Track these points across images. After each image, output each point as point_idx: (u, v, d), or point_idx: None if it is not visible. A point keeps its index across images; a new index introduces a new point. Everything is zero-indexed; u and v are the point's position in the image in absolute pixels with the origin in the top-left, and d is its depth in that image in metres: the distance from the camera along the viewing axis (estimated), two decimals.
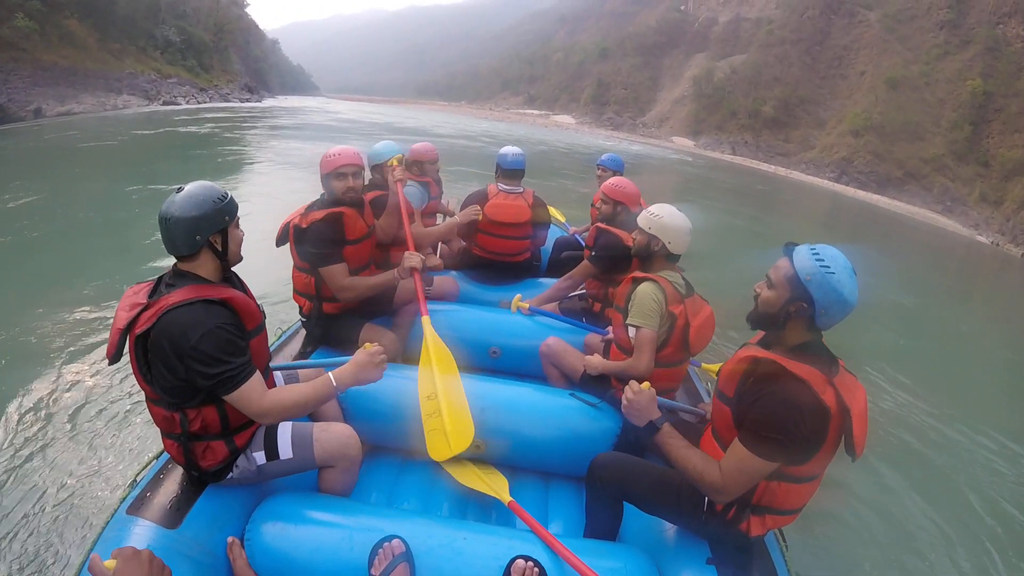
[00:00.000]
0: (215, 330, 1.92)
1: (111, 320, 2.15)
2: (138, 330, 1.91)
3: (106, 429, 3.93)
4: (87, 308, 5.63)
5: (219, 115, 33.73)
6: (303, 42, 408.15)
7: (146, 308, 1.94)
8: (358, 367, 2.20)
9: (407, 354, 3.71)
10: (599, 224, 4.01)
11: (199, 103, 42.58)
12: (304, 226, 3.17)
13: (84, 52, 34.27)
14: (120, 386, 4.38)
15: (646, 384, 2.26)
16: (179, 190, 2.01)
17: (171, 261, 2.10)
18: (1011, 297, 19.47)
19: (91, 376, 4.51)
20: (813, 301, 1.86)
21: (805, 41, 69.73)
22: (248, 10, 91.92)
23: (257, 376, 2.05)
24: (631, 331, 2.89)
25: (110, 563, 1.30)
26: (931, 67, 55.76)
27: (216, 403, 2.06)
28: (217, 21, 65.68)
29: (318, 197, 3.37)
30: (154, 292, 2.02)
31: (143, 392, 2.08)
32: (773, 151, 61.24)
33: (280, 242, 3.39)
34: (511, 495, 2.73)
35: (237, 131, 27.11)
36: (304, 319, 3.53)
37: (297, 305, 3.50)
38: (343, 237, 3.32)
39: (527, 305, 3.97)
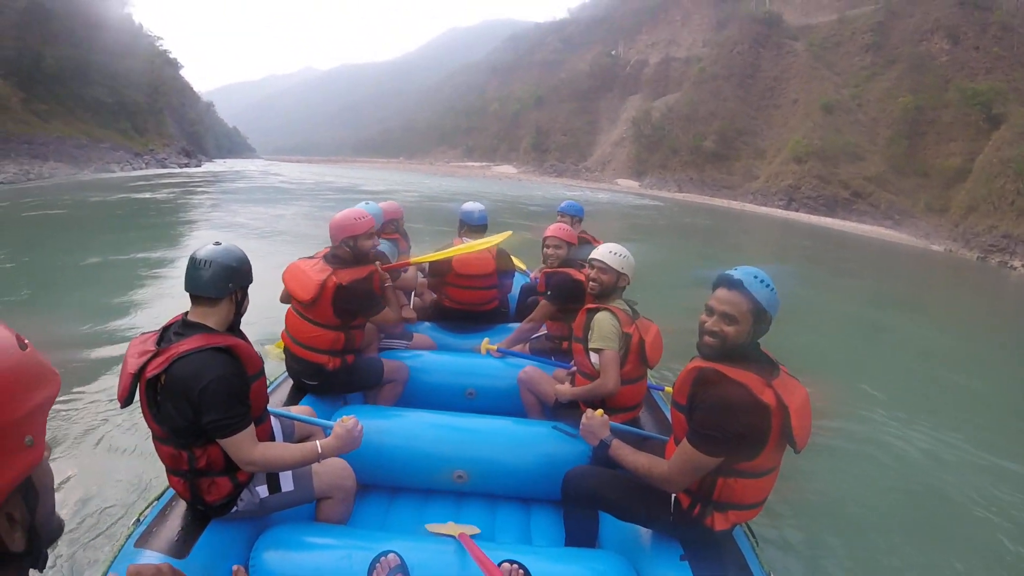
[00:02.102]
0: (222, 378, 2.09)
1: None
2: (149, 374, 2.07)
3: (110, 469, 4.13)
4: (89, 356, 6.02)
5: (161, 183, 32.06)
6: (238, 104, 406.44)
7: (156, 355, 2.10)
8: (340, 441, 2.42)
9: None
10: (545, 269, 4.39)
11: (135, 169, 40.71)
12: (345, 284, 3.38)
13: (5, 113, 31.92)
14: (122, 427, 4.62)
15: (600, 411, 2.62)
16: (217, 243, 2.29)
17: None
18: (970, 300, 19.76)
19: (93, 419, 4.76)
20: (771, 322, 2.13)
21: (736, 75, 71.59)
22: (182, 72, 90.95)
23: (251, 429, 2.22)
24: (593, 356, 3.17)
25: None
26: (861, 89, 57.67)
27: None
28: (151, 82, 63.34)
29: (326, 253, 3.63)
30: (161, 340, 2.18)
31: (149, 432, 2.25)
32: (719, 185, 62.01)
33: (313, 301, 3.41)
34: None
35: (189, 196, 26.43)
36: (313, 381, 3.61)
37: (311, 362, 3.55)
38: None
39: (495, 347, 4.25)
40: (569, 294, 4.00)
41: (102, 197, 22.58)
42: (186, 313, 2.28)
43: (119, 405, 2.15)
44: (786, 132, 60.54)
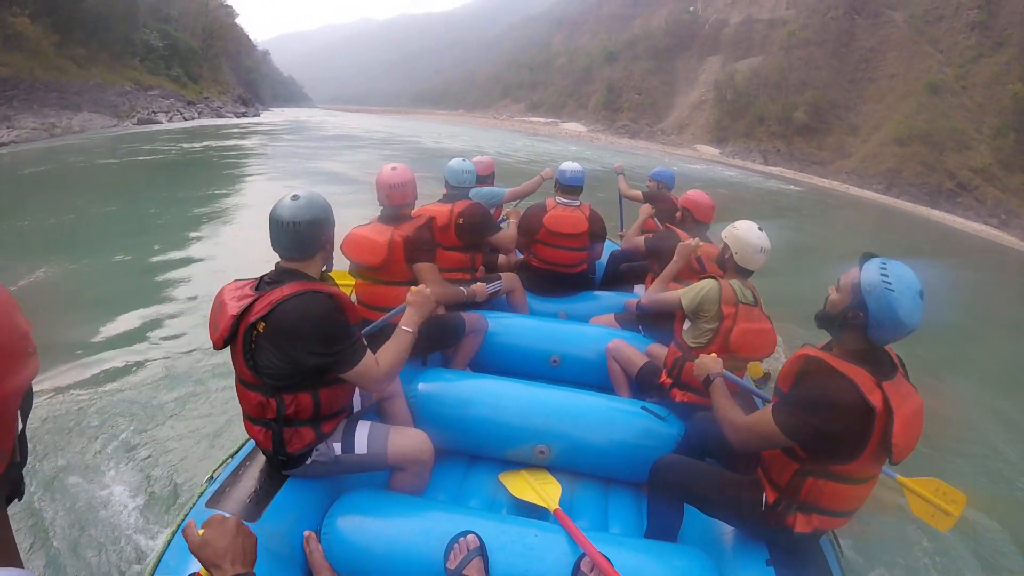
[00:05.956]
0: (332, 313, 2.14)
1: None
2: (251, 319, 2.09)
3: (184, 423, 4.32)
4: (163, 309, 6.48)
5: (220, 134, 30.65)
6: (294, 53, 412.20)
7: (256, 300, 2.12)
8: (417, 308, 2.56)
9: (474, 362, 3.96)
10: (668, 225, 4.50)
11: (186, 120, 38.29)
12: (410, 235, 3.32)
13: (35, 58, 28.24)
14: (199, 379, 4.91)
15: (714, 354, 2.76)
16: (295, 197, 2.21)
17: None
18: None
19: (168, 371, 5.03)
20: (867, 312, 1.96)
21: (831, 43, 67.97)
22: (238, 20, 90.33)
23: (369, 352, 2.28)
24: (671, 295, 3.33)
25: (201, 531, 1.45)
26: (966, 70, 54.24)
27: (311, 390, 2.23)
28: (206, 26, 61.29)
29: (378, 216, 3.50)
30: (257, 288, 2.20)
31: (227, 385, 2.37)
32: (808, 159, 59.54)
33: (384, 263, 3.33)
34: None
35: (263, 147, 26.38)
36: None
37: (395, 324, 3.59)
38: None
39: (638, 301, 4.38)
40: (663, 250, 4.01)
41: (142, 152, 21.24)
42: (277, 263, 2.29)
43: (216, 347, 2.18)
44: (882, 109, 58.04)
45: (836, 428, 1.92)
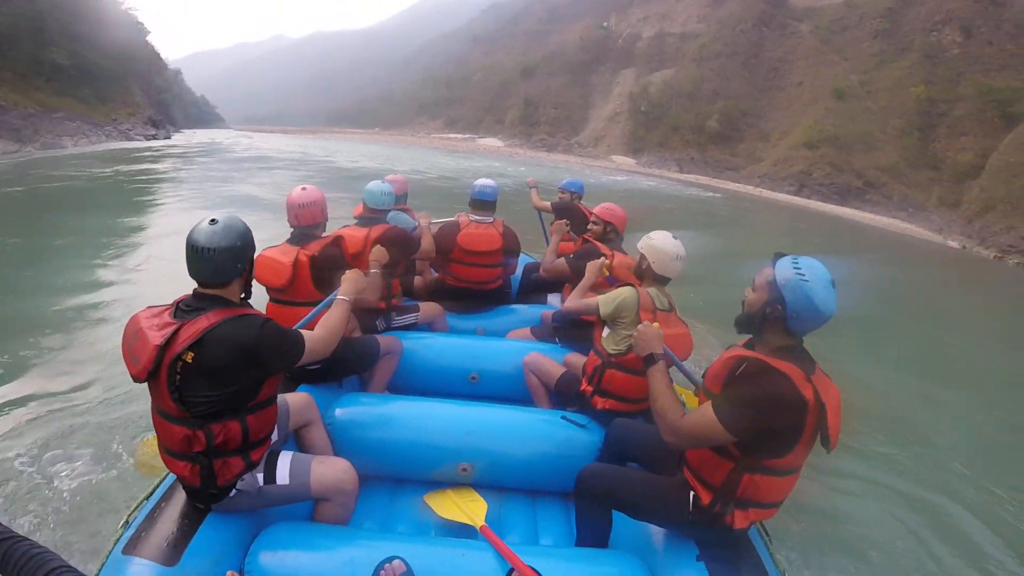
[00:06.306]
0: (264, 332, 2.10)
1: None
2: (177, 349, 1.99)
3: (89, 471, 3.94)
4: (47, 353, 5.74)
5: (124, 159, 28.69)
6: (206, 72, 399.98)
7: (179, 329, 2.02)
8: (350, 282, 2.78)
9: (392, 383, 3.96)
10: (587, 237, 4.44)
11: (92, 143, 36.54)
12: (316, 254, 3.37)
13: None
14: (98, 425, 4.45)
15: (656, 324, 2.60)
16: (213, 222, 2.12)
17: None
18: (990, 300, 19.55)
19: (77, 413, 4.59)
20: (785, 304, 2.03)
21: (741, 54, 70.35)
22: (149, 38, 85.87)
23: (308, 333, 2.41)
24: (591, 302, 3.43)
25: None
26: (870, 76, 56.33)
27: (239, 417, 2.15)
28: (116, 44, 57.74)
29: (288, 238, 3.54)
30: (175, 315, 2.10)
31: (154, 417, 2.18)
32: (722, 166, 60.86)
33: (290, 283, 3.34)
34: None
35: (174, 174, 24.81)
36: (314, 366, 3.44)
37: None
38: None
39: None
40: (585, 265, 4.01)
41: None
42: (195, 289, 2.18)
43: (138, 380, 2.06)
44: (790, 115, 59.69)
45: (781, 423, 1.96)
